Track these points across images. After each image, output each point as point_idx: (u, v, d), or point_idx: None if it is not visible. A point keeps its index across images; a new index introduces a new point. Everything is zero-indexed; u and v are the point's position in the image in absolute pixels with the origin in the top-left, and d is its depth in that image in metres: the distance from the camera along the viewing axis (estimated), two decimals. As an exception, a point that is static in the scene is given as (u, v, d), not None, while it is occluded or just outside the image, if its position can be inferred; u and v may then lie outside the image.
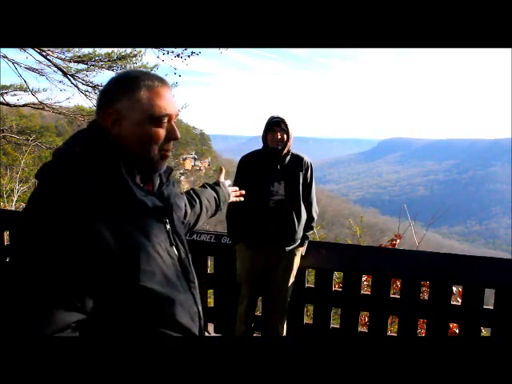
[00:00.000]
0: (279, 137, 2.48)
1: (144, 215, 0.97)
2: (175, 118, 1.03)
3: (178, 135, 1.02)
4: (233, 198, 1.79)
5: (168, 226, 1.05)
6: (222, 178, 1.77)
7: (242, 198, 1.87)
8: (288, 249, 2.57)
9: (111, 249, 0.87)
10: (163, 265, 0.98)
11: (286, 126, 2.49)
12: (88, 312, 0.87)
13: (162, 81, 1.01)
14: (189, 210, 1.49)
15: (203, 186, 1.68)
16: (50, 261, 0.82)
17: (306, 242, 2.73)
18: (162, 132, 1.00)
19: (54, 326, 0.81)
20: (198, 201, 1.56)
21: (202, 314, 1.12)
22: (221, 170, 1.81)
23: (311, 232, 2.73)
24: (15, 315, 0.81)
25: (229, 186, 1.79)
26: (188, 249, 1.13)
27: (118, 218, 0.90)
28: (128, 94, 0.97)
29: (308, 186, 2.64)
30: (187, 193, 1.57)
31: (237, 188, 1.85)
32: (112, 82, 1.01)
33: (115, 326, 0.92)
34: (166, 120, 1.00)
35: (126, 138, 0.98)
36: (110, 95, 0.99)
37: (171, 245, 1.05)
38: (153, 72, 1.07)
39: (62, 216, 0.84)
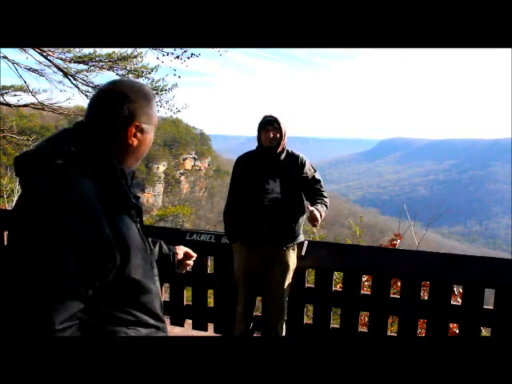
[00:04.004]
0: (272, 135, 2.50)
1: (128, 215, 1.07)
2: None
3: None
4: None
5: (138, 225, 1.14)
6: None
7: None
8: (284, 247, 2.56)
9: (110, 242, 0.97)
10: (143, 259, 1.09)
11: (278, 124, 2.51)
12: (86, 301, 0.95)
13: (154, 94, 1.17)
14: None
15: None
16: (64, 254, 0.90)
17: (306, 242, 2.73)
18: None
19: (65, 314, 0.89)
20: None
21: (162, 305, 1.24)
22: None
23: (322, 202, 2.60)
24: (30, 304, 0.87)
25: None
26: (152, 246, 1.26)
27: (113, 216, 1.00)
28: (145, 107, 1.11)
29: (312, 181, 2.64)
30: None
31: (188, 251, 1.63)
32: (128, 94, 1.08)
33: (103, 313, 1.01)
34: None
35: (142, 145, 1.13)
36: (130, 109, 1.08)
37: (143, 241, 1.14)
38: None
39: (77, 212, 0.94)
